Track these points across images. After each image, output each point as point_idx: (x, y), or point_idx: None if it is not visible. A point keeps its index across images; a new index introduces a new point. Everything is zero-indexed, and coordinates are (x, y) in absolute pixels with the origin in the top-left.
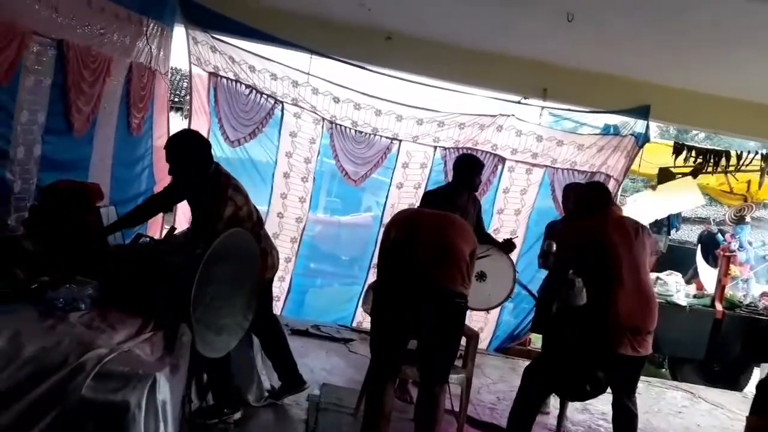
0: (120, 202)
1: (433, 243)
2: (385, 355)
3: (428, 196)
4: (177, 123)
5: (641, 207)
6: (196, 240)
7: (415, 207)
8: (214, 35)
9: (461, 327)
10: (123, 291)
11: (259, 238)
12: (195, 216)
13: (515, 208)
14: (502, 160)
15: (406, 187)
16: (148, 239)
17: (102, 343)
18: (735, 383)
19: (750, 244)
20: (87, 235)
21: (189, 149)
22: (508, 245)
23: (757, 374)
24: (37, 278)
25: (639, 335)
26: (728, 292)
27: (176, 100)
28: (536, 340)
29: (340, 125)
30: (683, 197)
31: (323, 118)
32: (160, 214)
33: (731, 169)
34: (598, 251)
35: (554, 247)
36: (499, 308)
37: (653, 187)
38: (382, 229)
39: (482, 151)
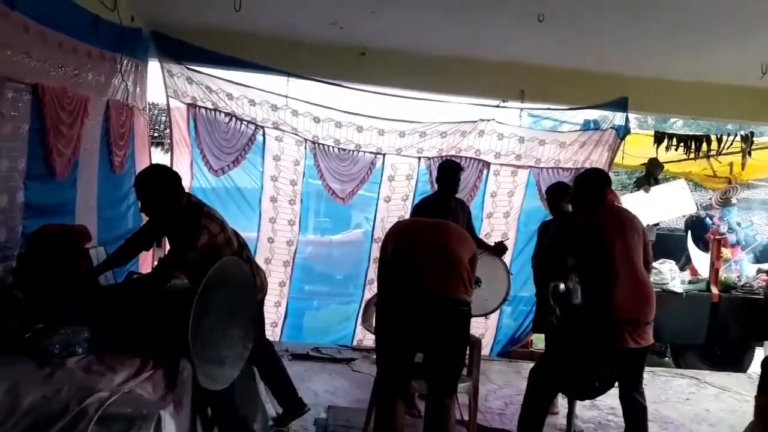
0: (108, 241)
1: (433, 252)
2: (392, 370)
3: (418, 207)
4: (159, 158)
5: (632, 209)
6: (171, 270)
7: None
8: (189, 66)
9: (467, 335)
10: (119, 332)
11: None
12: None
13: (504, 211)
14: (487, 164)
15: (394, 200)
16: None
17: (103, 386)
18: (738, 365)
19: (739, 225)
20: (78, 279)
21: (157, 185)
22: (499, 248)
23: (759, 354)
24: (30, 327)
25: (638, 327)
26: (722, 274)
27: (156, 135)
28: (538, 342)
29: (323, 144)
30: (675, 203)
31: (305, 139)
32: (151, 251)
33: (713, 153)
34: (593, 246)
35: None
36: (498, 312)
37: (643, 186)
38: (375, 245)
39: (466, 158)
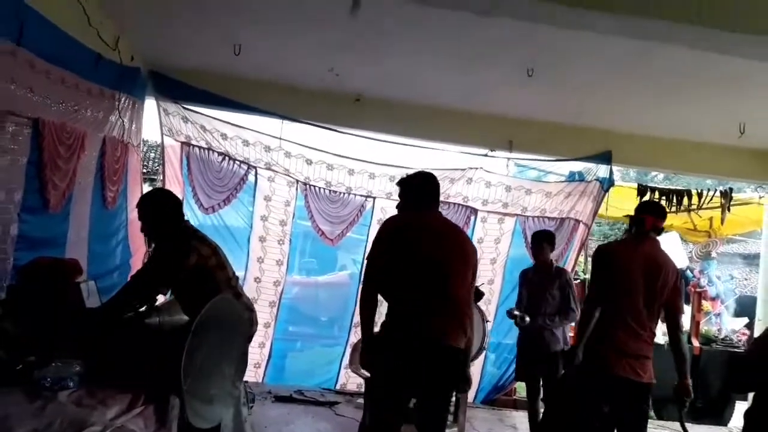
0: (97, 276)
1: (440, 296)
2: (393, 411)
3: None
4: None
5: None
6: (157, 290)
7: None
8: (185, 106)
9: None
10: (110, 366)
11: (237, 293)
12: None
13: (491, 258)
14: (474, 211)
15: None
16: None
17: (95, 420)
18: (719, 418)
19: (718, 278)
20: (69, 312)
21: (160, 206)
22: (476, 294)
23: (739, 407)
24: (21, 359)
25: (638, 360)
26: (703, 327)
27: (145, 171)
28: (521, 390)
29: (314, 186)
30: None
31: (297, 180)
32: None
33: (694, 207)
34: (616, 285)
35: (527, 321)
36: (482, 360)
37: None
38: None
39: (454, 204)
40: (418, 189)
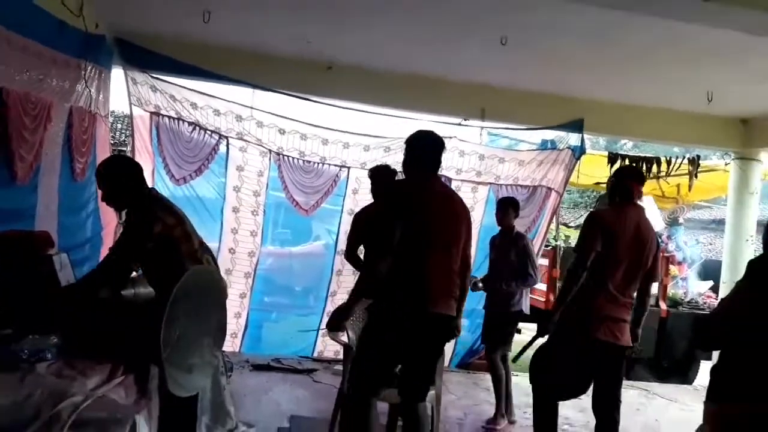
0: (68, 249)
1: (442, 267)
2: (386, 374)
3: None
4: None
5: None
6: (129, 262)
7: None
8: (154, 75)
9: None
10: (88, 338)
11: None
12: None
13: None
14: (448, 180)
15: None
16: None
17: (76, 390)
18: (684, 377)
19: (685, 243)
20: (42, 285)
21: (121, 173)
22: None
23: (704, 367)
24: None
25: (616, 324)
26: (670, 291)
27: (113, 142)
28: None
29: (288, 156)
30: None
31: (270, 150)
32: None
33: (662, 174)
34: (607, 248)
35: (480, 286)
36: None
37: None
38: (338, 257)
39: None
40: (422, 150)
